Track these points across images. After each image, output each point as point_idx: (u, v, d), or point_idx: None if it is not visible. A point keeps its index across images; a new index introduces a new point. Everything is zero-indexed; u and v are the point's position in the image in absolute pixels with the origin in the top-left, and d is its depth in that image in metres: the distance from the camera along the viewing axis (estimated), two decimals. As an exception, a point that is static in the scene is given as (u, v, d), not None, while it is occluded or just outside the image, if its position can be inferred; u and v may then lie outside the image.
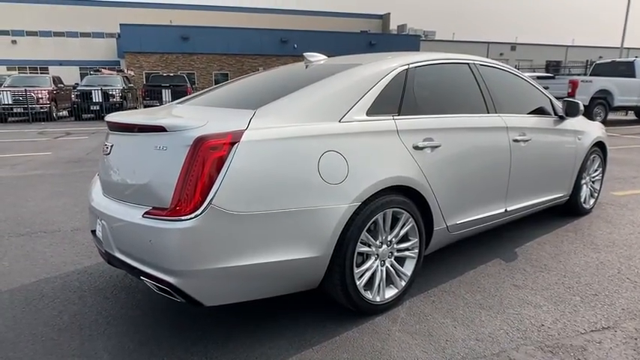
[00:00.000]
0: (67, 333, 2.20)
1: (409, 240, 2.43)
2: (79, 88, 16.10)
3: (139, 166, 1.98)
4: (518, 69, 23.26)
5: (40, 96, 14.46)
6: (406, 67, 2.55)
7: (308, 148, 1.98)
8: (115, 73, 19.48)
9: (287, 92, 2.20)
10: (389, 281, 2.38)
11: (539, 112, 3.45)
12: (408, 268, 2.45)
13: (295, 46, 31.57)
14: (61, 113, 16.29)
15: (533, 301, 2.48)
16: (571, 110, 3.53)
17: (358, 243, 2.15)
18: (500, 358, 1.97)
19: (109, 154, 2.21)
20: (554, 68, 31.56)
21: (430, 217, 2.50)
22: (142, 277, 1.94)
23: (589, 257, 3.11)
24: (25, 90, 14.13)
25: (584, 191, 4.01)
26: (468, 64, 2.97)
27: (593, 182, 4.14)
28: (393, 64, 2.50)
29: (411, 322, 2.26)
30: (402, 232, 2.37)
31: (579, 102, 3.57)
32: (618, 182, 5.41)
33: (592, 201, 4.14)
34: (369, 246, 2.24)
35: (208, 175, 1.77)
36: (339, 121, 2.14)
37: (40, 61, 35.87)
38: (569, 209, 3.96)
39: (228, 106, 2.23)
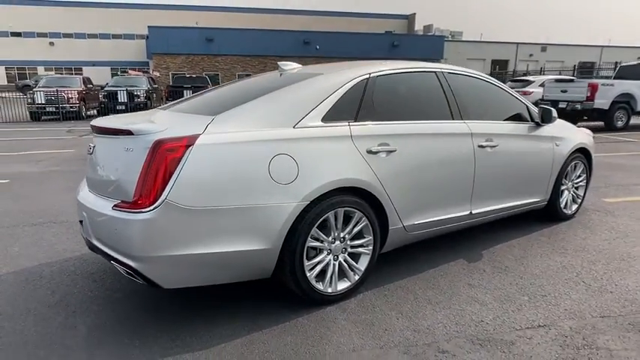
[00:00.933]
0: (55, 309, 2.51)
1: (363, 237, 2.62)
2: (106, 88, 16.89)
3: (112, 164, 2.26)
4: (543, 71, 22.65)
5: (70, 96, 15.27)
6: (367, 76, 2.74)
7: (259, 151, 2.21)
8: (141, 74, 20.29)
9: (250, 100, 2.44)
10: (342, 275, 2.58)
11: (515, 118, 3.57)
12: (362, 264, 2.64)
13: (317, 47, 31.87)
14: (90, 112, 17.10)
15: (481, 299, 2.62)
16: (546, 117, 3.62)
17: (309, 238, 2.36)
18: (431, 347, 2.14)
19: (91, 153, 2.51)
20: (587, 70, 30.65)
21: (385, 217, 2.68)
22: (112, 262, 2.21)
23: (553, 261, 3.20)
24: (57, 90, 14.96)
25: (565, 197, 4.07)
26: (435, 72, 3.12)
27: (576, 188, 4.19)
28: (353, 74, 2.70)
29: (359, 313, 2.46)
30: (356, 229, 2.57)
31: (552, 109, 3.66)
32: (615, 189, 5.39)
33: (575, 207, 4.19)
34: (321, 241, 2.45)
35: (164, 173, 2.02)
36: (294, 127, 2.36)
37: (75, 62, 37.57)
38: (549, 214, 4.04)
39: (198, 112, 2.48)
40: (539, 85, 13.55)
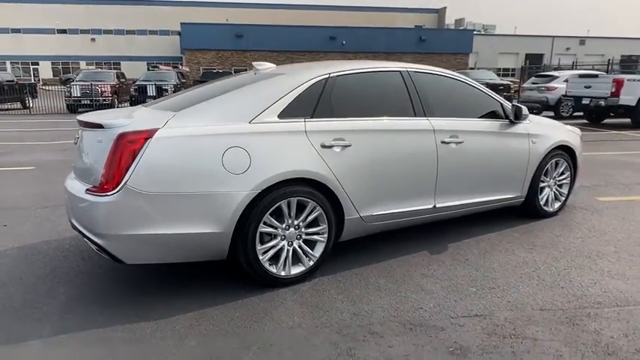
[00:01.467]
0: (43, 280, 2.84)
1: (319, 225, 2.80)
2: (137, 82, 17.66)
3: (88, 154, 2.55)
4: (575, 66, 21.67)
5: (104, 89, 16.10)
6: (326, 76, 2.91)
7: (213, 143, 2.43)
8: (170, 69, 21.06)
9: (213, 97, 2.67)
10: (296, 260, 2.78)
11: (488, 116, 3.63)
12: (317, 251, 2.83)
13: (344, 42, 31.90)
14: (122, 105, 17.96)
15: (429, 289, 2.75)
16: (517, 114, 3.66)
17: (261, 224, 2.57)
18: (363, 329, 2.31)
19: (76, 144, 2.81)
20: (630, 64, 29.17)
21: (340, 207, 2.85)
22: (85, 239, 2.51)
23: (516, 256, 3.27)
24: (91, 84, 15.81)
25: (546, 194, 4.08)
26: (400, 71, 3.25)
27: (559, 186, 4.19)
28: (312, 74, 2.87)
29: (308, 296, 2.65)
30: (310, 218, 2.75)
31: (523, 107, 3.69)
32: (615, 187, 5.30)
33: (557, 204, 4.20)
34: (275, 228, 2.65)
35: (125, 162, 2.28)
36: (250, 123, 2.57)
37: (114, 57, 39.33)
38: (528, 211, 4.07)
39: (168, 108, 2.73)
40: (564, 81, 13.14)
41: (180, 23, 30.84)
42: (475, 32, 41.08)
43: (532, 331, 2.30)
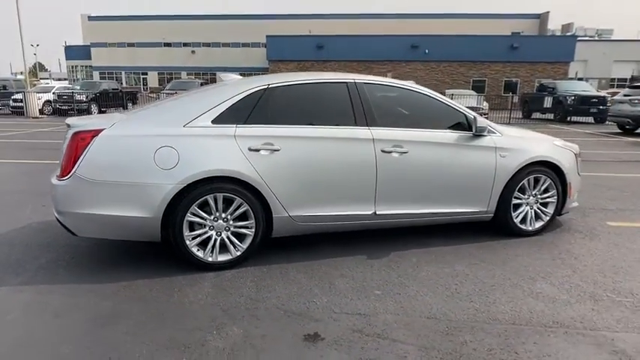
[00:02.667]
0: (40, 249, 3.56)
1: (247, 220, 3.14)
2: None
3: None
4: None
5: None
6: (265, 87, 3.24)
7: (147, 142, 2.91)
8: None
9: (164, 104, 3.17)
10: (224, 249, 3.13)
11: (453, 127, 3.64)
12: (245, 243, 3.16)
13: (426, 51, 31.25)
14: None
15: (338, 287, 2.91)
16: (472, 126, 3.61)
17: (188, 214, 2.98)
18: (248, 311, 2.58)
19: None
20: None
21: (268, 206, 3.14)
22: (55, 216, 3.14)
23: (451, 269, 3.24)
24: (176, 92, 17.79)
25: (523, 212, 3.90)
26: (346, 83, 3.44)
27: (544, 205, 3.97)
28: (251, 85, 3.23)
29: (225, 280, 2.99)
30: (238, 213, 3.10)
31: (479, 119, 3.60)
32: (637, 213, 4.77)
33: (539, 224, 3.97)
34: (203, 218, 3.04)
35: (76, 154, 2.86)
36: (184, 126, 3.01)
37: (211, 68, 43.28)
38: (501, 228, 3.92)
39: (130, 114, 3.27)
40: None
41: (266, 36, 32.96)
42: (582, 38, 37.47)
43: (399, 334, 2.38)
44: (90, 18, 46.84)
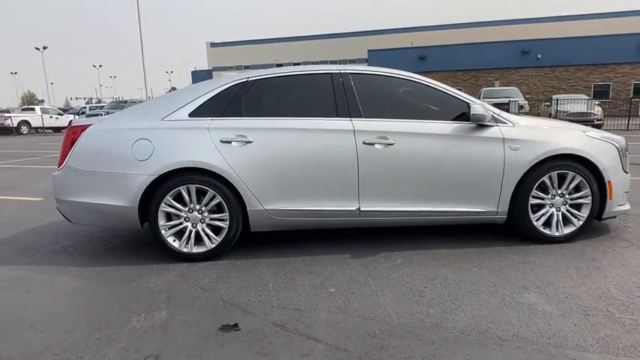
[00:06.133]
0: (57, 240, 4.06)
1: (222, 212, 3.19)
2: None
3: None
4: None
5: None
6: (244, 80, 3.30)
7: (126, 136, 3.16)
8: None
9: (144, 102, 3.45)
10: (199, 240, 3.22)
11: (456, 118, 3.28)
12: (220, 235, 3.21)
13: (539, 56, 28.38)
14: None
15: (297, 283, 2.79)
16: (468, 114, 3.18)
17: (162, 204, 3.14)
18: (189, 299, 2.61)
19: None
20: None
21: (242, 198, 3.16)
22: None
23: (432, 272, 2.87)
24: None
25: (546, 213, 3.29)
26: (331, 74, 3.32)
27: (575, 206, 3.32)
28: (230, 79, 3.32)
29: (193, 270, 3.06)
30: (212, 204, 3.17)
31: (476, 106, 3.14)
32: None
33: (569, 229, 3.31)
34: (178, 209, 3.18)
35: (68, 147, 3.23)
36: (161, 120, 3.21)
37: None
38: (520, 232, 3.36)
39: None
40: None
41: (368, 50, 33.36)
42: None
43: (320, 332, 2.19)
44: (212, 45, 53.05)
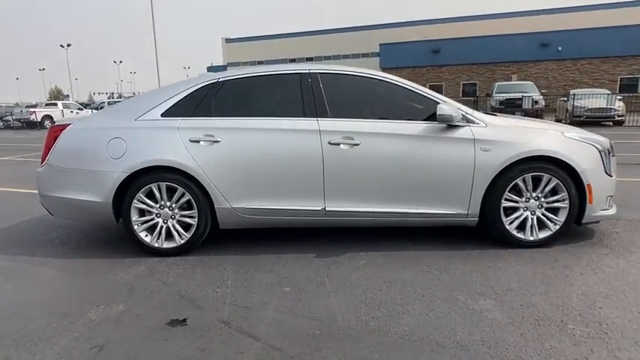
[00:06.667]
0: (49, 231, 4.21)
1: (191, 209, 3.25)
2: None
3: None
4: None
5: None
6: (214, 81, 3.34)
7: (102, 135, 3.25)
8: None
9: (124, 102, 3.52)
10: (170, 236, 3.29)
11: (429, 118, 3.24)
12: (190, 231, 3.27)
13: (559, 49, 27.49)
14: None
15: (256, 281, 2.83)
16: (435, 114, 3.14)
17: (134, 200, 3.22)
18: (150, 293, 2.69)
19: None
20: None
21: (210, 196, 3.21)
22: (43, 199, 3.69)
23: (394, 273, 2.87)
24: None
25: (519, 217, 3.23)
26: (300, 74, 3.32)
27: (552, 210, 3.24)
28: (201, 80, 3.36)
29: (162, 265, 3.14)
30: (182, 202, 3.24)
31: (443, 106, 3.08)
32: None
33: (545, 233, 3.24)
34: (149, 206, 3.25)
35: (50, 145, 3.34)
36: (135, 120, 3.28)
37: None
38: (492, 235, 3.31)
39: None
40: None
41: (379, 44, 32.90)
42: None
43: (261, 330, 2.22)
44: (227, 40, 53.46)
